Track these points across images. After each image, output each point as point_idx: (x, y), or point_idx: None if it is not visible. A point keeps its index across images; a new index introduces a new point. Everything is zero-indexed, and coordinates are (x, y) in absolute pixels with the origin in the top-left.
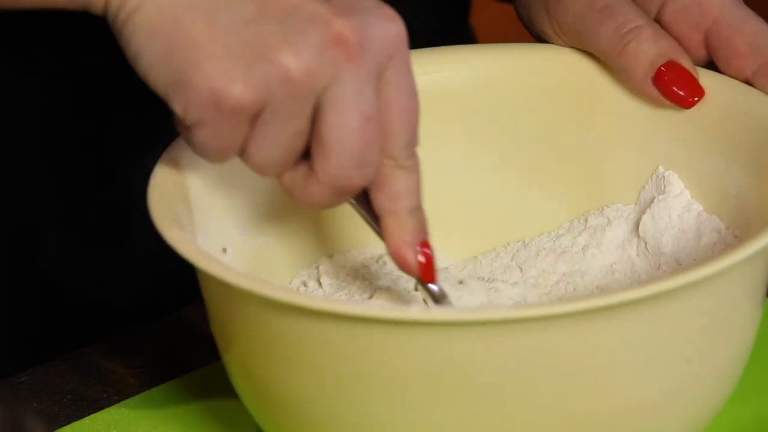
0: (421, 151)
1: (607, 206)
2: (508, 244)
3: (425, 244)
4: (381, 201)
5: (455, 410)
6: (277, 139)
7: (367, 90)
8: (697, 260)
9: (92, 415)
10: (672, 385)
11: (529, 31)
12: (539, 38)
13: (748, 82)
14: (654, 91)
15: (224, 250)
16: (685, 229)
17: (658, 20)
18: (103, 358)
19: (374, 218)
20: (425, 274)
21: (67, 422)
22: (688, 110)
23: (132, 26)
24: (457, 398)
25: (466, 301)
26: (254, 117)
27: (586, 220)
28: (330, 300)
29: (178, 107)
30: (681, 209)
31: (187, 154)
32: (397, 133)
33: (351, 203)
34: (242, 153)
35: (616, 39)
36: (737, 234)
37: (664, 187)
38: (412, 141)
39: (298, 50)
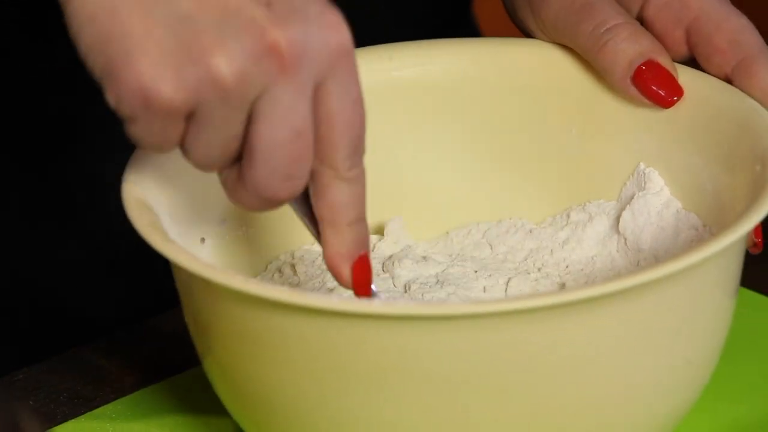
0: (401, 142)
1: (589, 202)
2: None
3: (363, 258)
4: (321, 210)
5: (426, 404)
6: (212, 141)
7: (299, 104)
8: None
9: (88, 413)
10: (644, 378)
11: (517, 26)
12: (526, 34)
13: (728, 79)
14: (633, 91)
15: (202, 240)
16: (664, 227)
17: (640, 17)
18: (99, 356)
19: (314, 222)
20: (358, 288)
21: (63, 420)
22: (667, 109)
23: (72, 8)
24: (427, 392)
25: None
26: (188, 116)
27: (568, 216)
28: (289, 291)
29: (110, 99)
30: (660, 206)
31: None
32: (337, 144)
33: (291, 205)
34: (181, 148)
35: (595, 38)
36: (714, 231)
37: (645, 183)
38: (356, 152)
39: (232, 55)
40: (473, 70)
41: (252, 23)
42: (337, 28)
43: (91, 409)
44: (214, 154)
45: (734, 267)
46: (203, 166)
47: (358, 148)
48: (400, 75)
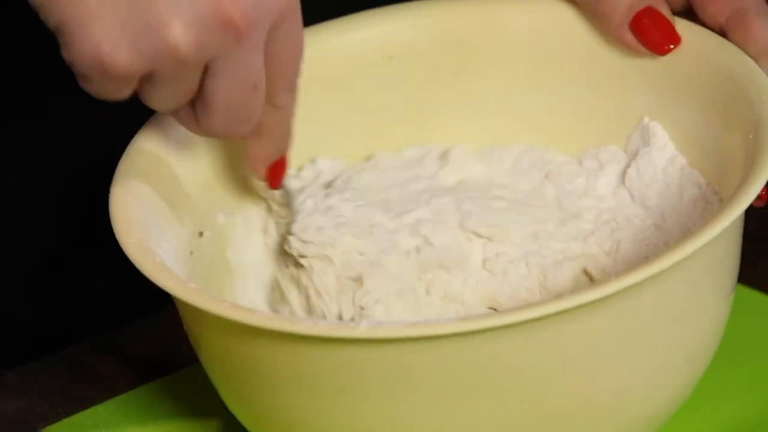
0: (409, 102)
1: (603, 146)
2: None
3: (280, 161)
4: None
5: (408, 419)
6: (166, 96)
7: (254, 62)
8: (681, 216)
9: (81, 412)
10: (639, 374)
11: None
12: None
13: (722, 30)
14: (630, 37)
15: (200, 234)
16: (669, 183)
17: None
18: (92, 355)
19: None
20: (271, 182)
21: (56, 419)
22: (664, 61)
23: None
24: (410, 407)
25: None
26: (142, 78)
27: (580, 163)
28: (276, 318)
29: (65, 56)
30: (665, 162)
31: (159, 142)
32: (277, 80)
33: None
34: (138, 94)
35: None
36: (716, 190)
37: (650, 138)
38: (290, 85)
39: (187, 25)
40: (474, 28)
41: None
42: None
43: (84, 408)
44: (169, 104)
45: (732, 247)
46: (159, 110)
47: (292, 82)
48: (405, 36)
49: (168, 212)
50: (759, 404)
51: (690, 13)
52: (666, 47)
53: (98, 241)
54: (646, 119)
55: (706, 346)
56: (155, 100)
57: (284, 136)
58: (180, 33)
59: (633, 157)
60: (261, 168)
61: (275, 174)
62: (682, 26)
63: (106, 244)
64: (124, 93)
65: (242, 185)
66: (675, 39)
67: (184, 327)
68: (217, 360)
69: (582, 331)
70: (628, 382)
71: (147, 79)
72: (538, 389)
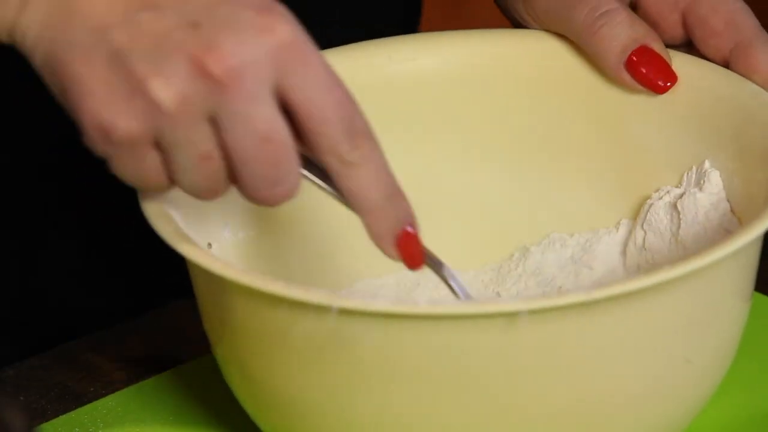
0: (407, 143)
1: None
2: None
3: (405, 234)
4: (347, 200)
5: (443, 404)
6: (186, 165)
7: (256, 112)
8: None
9: (79, 408)
10: (658, 380)
11: (506, 15)
12: (515, 23)
13: (725, 62)
14: (626, 76)
15: (209, 245)
16: (707, 228)
17: (636, 1)
18: (90, 352)
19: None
20: (408, 263)
21: (54, 416)
22: (663, 95)
23: (37, 66)
24: (445, 392)
25: None
26: (157, 145)
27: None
28: (330, 294)
29: (85, 140)
30: (709, 206)
31: None
32: (323, 131)
33: (325, 190)
34: (173, 182)
35: (590, 22)
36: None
37: (703, 183)
38: (350, 133)
39: (167, 81)
40: (463, 63)
41: (180, 48)
42: (271, 29)
43: (81, 405)
44: (196, 178)
45: (749, 268)
46: (197, 193)
47: (351, 129)
48: (411, 67)
49: (180, 217)
50: (759, 404)
51: (690, 46)
52: (663, 86)
53: (97, 239)
54: (707, 163)
55: (719, 355)
56: (179, 172)
57: (391, 198)
58: (161, 89)
59: (679, 196)
60: (389, 248)
61: (409, 253)
62: (681, 60)
63: (105, 241)
64: (148, 167)
65: (243, 203)
66: (671, 77)
67: (202, 316)
68: (230, 335)
69: (608, 325)
70: (644, 387)
71: (162, 149)
72: (563, 384)
